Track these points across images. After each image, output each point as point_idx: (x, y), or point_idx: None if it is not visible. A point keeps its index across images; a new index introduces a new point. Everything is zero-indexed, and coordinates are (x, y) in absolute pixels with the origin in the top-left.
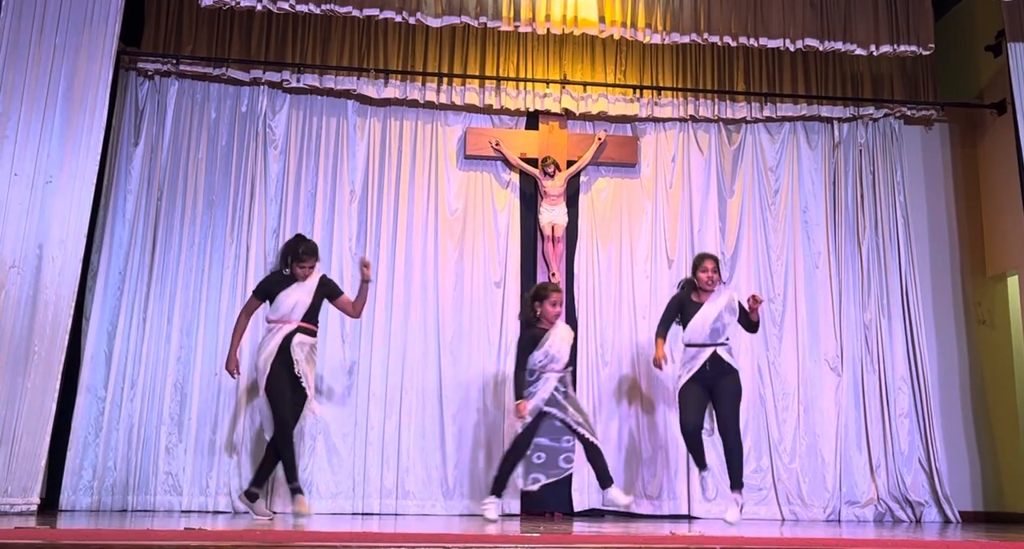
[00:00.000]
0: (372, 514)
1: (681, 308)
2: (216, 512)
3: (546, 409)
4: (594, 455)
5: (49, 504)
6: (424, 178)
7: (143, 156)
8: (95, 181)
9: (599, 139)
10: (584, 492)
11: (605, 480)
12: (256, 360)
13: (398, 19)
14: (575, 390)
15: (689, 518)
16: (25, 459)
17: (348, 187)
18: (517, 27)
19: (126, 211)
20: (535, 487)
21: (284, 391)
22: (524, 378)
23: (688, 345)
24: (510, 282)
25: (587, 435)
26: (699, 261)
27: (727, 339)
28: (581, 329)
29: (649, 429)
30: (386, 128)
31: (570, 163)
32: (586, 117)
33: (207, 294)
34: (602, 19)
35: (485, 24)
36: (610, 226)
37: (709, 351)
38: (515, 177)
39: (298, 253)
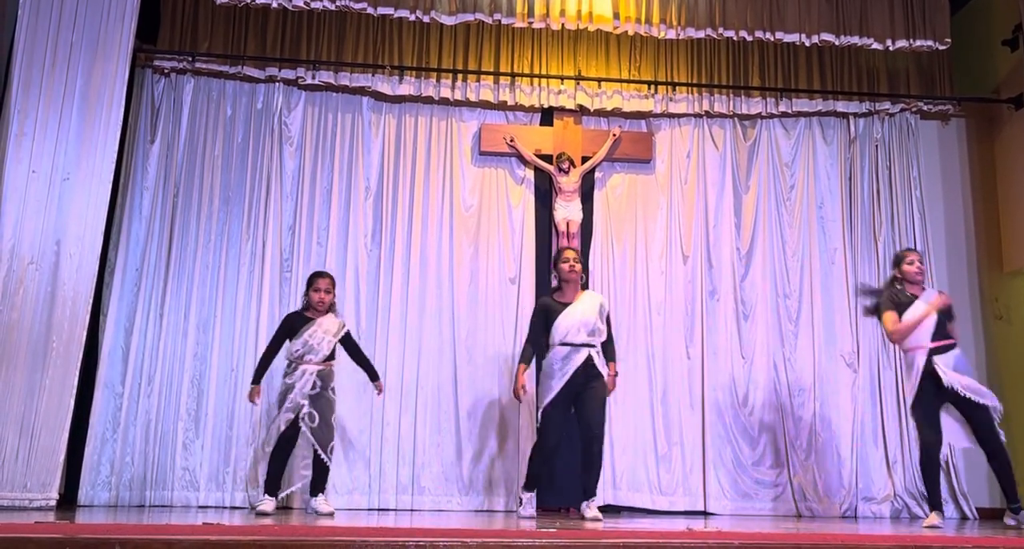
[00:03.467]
0: (388, 510)
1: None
2: (233, 507)
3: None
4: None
5: (67, 499)
6: (439, 174)
7: (159, 153)
8: (112, 178)
9: (614, 135)
10: (600, 488)
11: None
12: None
13: (412, 18)
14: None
15: (705, 514)
16: (44, 454)
17: (363, 184)
18: (531, 23)
19: (143, 208)
20: None
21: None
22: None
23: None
24: (525, 278)
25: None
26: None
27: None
28: None
29: (665, 425)
30: (401, 125)
31: (585, 159)
32: (601, 113)
33: (223, 290)
34: (616, 15)
35: (499, 21)
36: (625, 222)
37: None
38: (530, 173)
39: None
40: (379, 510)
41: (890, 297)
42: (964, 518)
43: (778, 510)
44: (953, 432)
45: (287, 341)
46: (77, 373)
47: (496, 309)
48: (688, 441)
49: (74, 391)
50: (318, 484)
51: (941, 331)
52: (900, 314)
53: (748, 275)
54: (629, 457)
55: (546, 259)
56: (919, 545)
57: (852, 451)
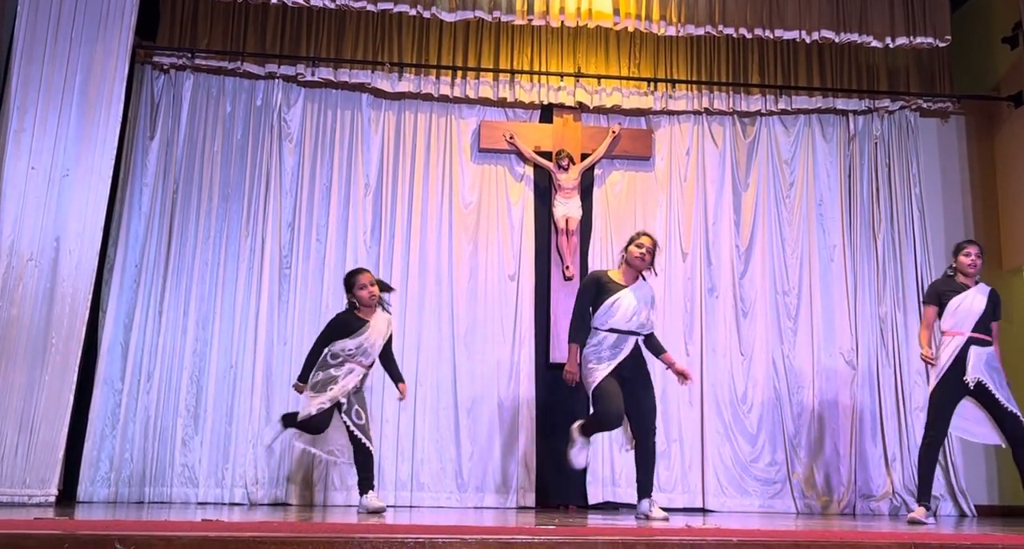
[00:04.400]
0: (387, 506)
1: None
2: (232, 504)
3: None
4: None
5: (67, 496)
6: (438, 171)
7: (159, 150)
8: (111, 175)
9: (613, 132)
10: (599, 486)
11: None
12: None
13: (412, 13)
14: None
15: (704, 511)
16: (43, 451)
17: (363, 180)
18: (531, 21)
19: (142, 204)
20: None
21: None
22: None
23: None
24: (524, 275)
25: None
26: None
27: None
28: None
29: (664, 422)
30: (400, 121)
31: (584, 156)
32: (600, 110)
33: (223, 287)
34: (616, 11)
35: (499, 18)
36: (624, 219)
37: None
38: (529, 170)
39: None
40: None
41: (935, 287)
42: (963, 515)
43: (777, 507)
44: (977, 426)
45: (338, 340)
46: (76, 369)
47: (495, 306)
48: (687, 438)
49: (73, 387)
50: (367, 481)
51: (984, 324)
52: (943, 304)
53: (747, 272)
54: (628, 454)
55: (545, 256)
56: (917, 542)
57: (851, 448)
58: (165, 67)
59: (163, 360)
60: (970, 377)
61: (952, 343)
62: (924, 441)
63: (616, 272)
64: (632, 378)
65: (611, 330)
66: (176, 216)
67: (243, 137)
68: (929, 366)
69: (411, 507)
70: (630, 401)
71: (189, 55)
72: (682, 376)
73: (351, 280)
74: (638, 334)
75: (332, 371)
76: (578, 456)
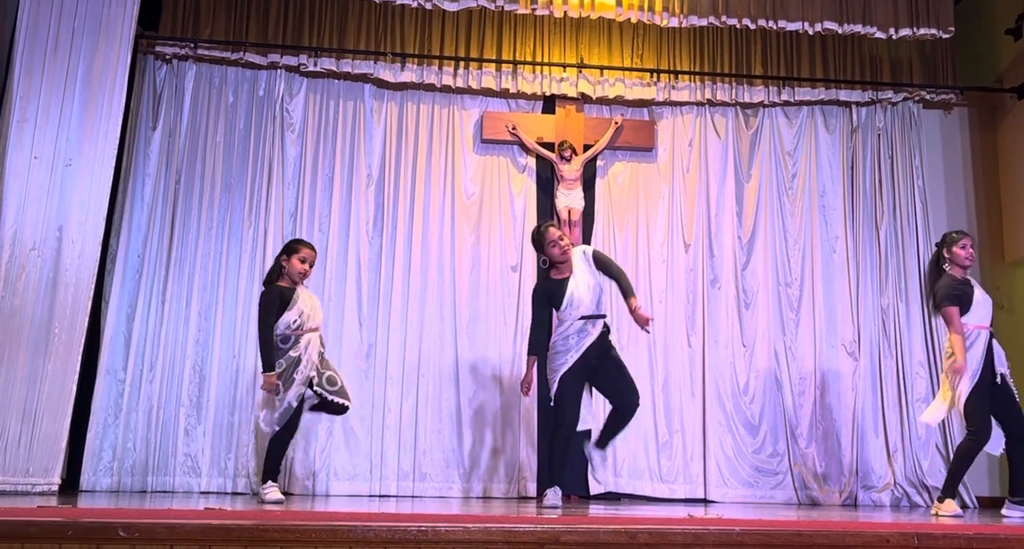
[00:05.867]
0: (389, 496)
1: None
2: (235, 493)
3: None
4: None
5: (70, 485)
6: (441, 162)
7: (161, 140)
8: (114, 164)
9: (616, 123)
10: (601, 476)
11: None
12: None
13: (414, 4)
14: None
15: (705, 502)
16: (46, 440)
17: (365, 171)
18: (534, 11)
19: (144, 195)
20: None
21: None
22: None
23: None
24: (526, 266)
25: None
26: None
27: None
28: None
29: (666, 413)
30: (403, 112)
31: (587, 147)
32: (603, 101)
33: (225, 277)
34: (619, 2)
35: (502, 8)
36: (627, 210)
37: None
38: (532, 161)
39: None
40: (380, 496)
41: (952, 288)
42: (964, 506)
43: (778, 498)
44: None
45: (278, 318)
46: (79, 359)
47: (497, 297)
48: (689, 429)
49: (76, 377)
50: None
51: (992, 315)
52: (964, 307)
53: (749, 264)
54: (630, 444)
55: None
56: (920, 533)
57: (852, 439)
58: (167, 57)
59: (166, 350)
60: (999, 371)
61: (980, 339)
62: (970, 442)
63: (554, 271)
64: (600, 366)
65: (580, 318)
66: (178, 206)
67: (245, 127)
68: (951, 372)
69: (413, 497)
70: (606, 385)
71: (191, 45)
72: (643, 321)
73: (293, 248)
74: (603, 315)
75: (291, 354)
76: (550, 500)
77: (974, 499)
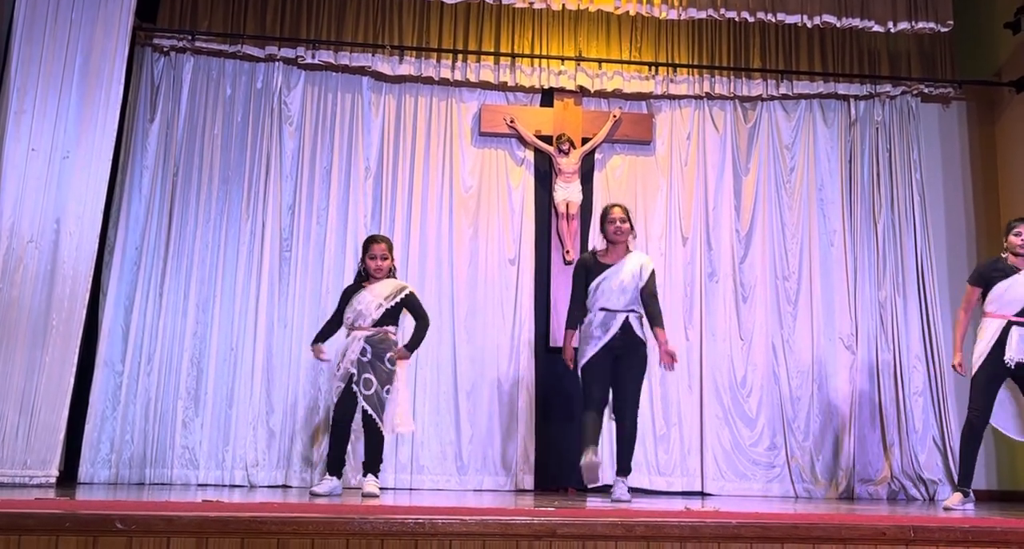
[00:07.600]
0: (387, 488)
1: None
2: (232, 486)
3: None
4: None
5: (67, 477)
6: (439, 155)
7: (159, 132)
8: (111, 157)
9: (614, 116)
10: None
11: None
12: None
13: None
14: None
15: (702, 495)
16: (44, 432)
17: (363, 164)
18: (532, 4)
19: (142, 187)
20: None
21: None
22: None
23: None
24: (524, 259)
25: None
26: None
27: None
28: None
29: (663, 406)
30: (401, 105)
31: (585, 140)
32: (601, 94)
33: (223, 270)
34: None
35: (500, 0)
36: (625, 203)
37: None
38: (530, 154)
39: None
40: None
41: (981, 269)
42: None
43: (775, 491)
44: (1014, 420)
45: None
46: (77, 351)
47: (495, 290)
48: (686, 422)
49: (74, 369)
50: (371, 462)
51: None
52: (989, 286)
53: (747, 257)
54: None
55: (546, 240)
56: (916, 526)
57: (849, 433)
58: (165, 49)
59: (164, 342)
60: (1010, 358)
61: (993, 325)
62: (965, 423)
63: (603, 252)
64: (623, 357)
65: (601, 309)
66: (176, 198)
67: (243, 120)
68: (957, 369)
69: (411, 489)
70: (615, 380)
71: (189, 37)
72: (667, 356)
73: (366, 247)
74: (628, 312)
75: (344, 342)
76: (589, 470)
77: (971, 492)
